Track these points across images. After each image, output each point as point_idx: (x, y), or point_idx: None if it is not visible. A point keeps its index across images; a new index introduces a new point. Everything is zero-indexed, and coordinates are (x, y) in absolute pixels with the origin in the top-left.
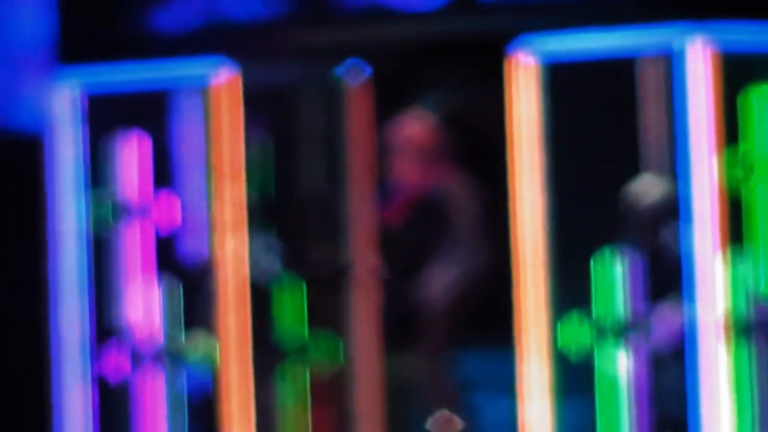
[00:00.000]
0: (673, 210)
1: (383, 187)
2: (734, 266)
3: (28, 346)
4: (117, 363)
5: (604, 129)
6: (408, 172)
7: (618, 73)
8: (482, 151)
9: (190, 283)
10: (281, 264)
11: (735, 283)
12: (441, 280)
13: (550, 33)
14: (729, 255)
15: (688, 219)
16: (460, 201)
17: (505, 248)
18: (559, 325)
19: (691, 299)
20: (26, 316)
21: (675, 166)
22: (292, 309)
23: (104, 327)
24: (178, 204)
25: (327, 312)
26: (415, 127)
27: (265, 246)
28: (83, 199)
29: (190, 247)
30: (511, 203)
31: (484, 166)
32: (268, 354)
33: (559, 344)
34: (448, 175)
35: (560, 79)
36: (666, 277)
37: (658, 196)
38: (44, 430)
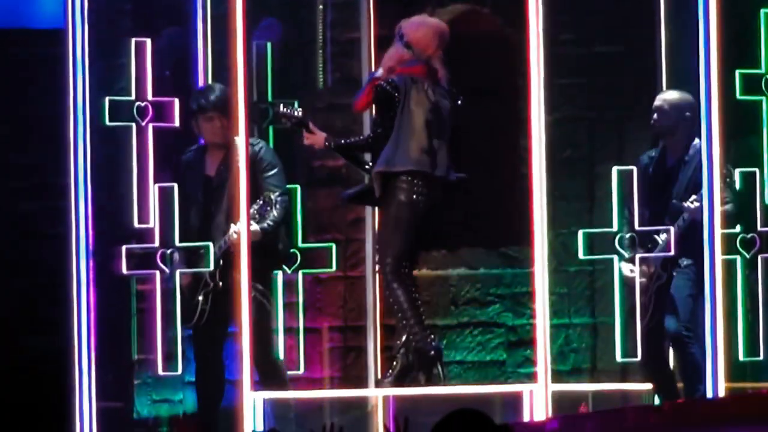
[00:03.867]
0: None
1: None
2: (746, 181)
3: (43, 243)
4: (126, 261)
5: (620, 40)
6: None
7: None
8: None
9: (196, 186)
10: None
11: (746, 198)
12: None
13: None
14: (741, 171)
15: (707, 136)
16: (383, 93)
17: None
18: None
19: (707, 212)
20: (43, 212)
21: (690, 79)
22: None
23: (116, 226)
24: (186, 107)
25: (325, 218)
26: (435, 23)
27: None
28: (96, 98)
29: (197, 150)
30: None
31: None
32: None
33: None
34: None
35: None
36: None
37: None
38: (61, 327)
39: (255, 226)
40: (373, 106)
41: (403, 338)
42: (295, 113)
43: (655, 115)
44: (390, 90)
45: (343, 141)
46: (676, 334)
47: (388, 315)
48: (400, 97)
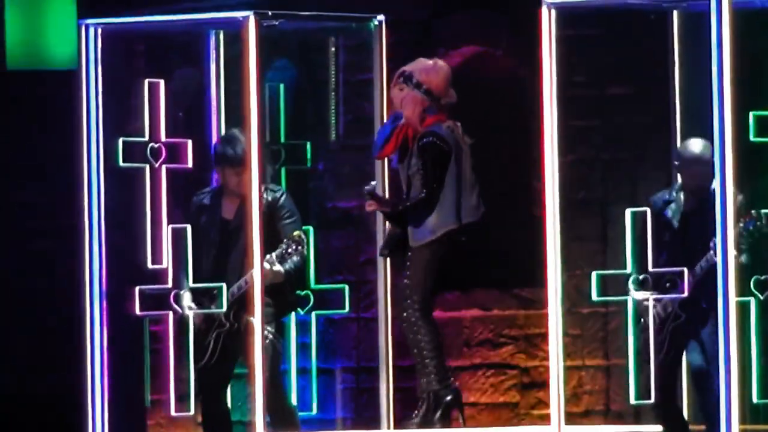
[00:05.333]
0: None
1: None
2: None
3: (57, 284)
4: (139, 302)
5: (634, 81)
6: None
7: (648, 26)
8: (503, 102)
9: (212, 228)
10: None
11: (759, 239)
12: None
13: None
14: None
15: (721, 175)
16: (438, 150)
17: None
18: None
19: (720, 254)
20: (55, 253)
21: (704, 121)
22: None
23: (128, 266)
24: (200, 147)
25: (338, 260)
26: (434, 68)
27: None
28: (109, 139)
29: (211, 192)
30: (540, 157)
31: (506, 118)
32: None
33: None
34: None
35: (587, 30)
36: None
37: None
38: (74, 367)
39: (278, 267)
40: (425, 162)
41: (424, 380)
42: (369, 187)
43: (694, 170)
44: (446, 148)
45: (408, 203)
46: (699, 368)
47: (401, 356)
48: (451, 152)
